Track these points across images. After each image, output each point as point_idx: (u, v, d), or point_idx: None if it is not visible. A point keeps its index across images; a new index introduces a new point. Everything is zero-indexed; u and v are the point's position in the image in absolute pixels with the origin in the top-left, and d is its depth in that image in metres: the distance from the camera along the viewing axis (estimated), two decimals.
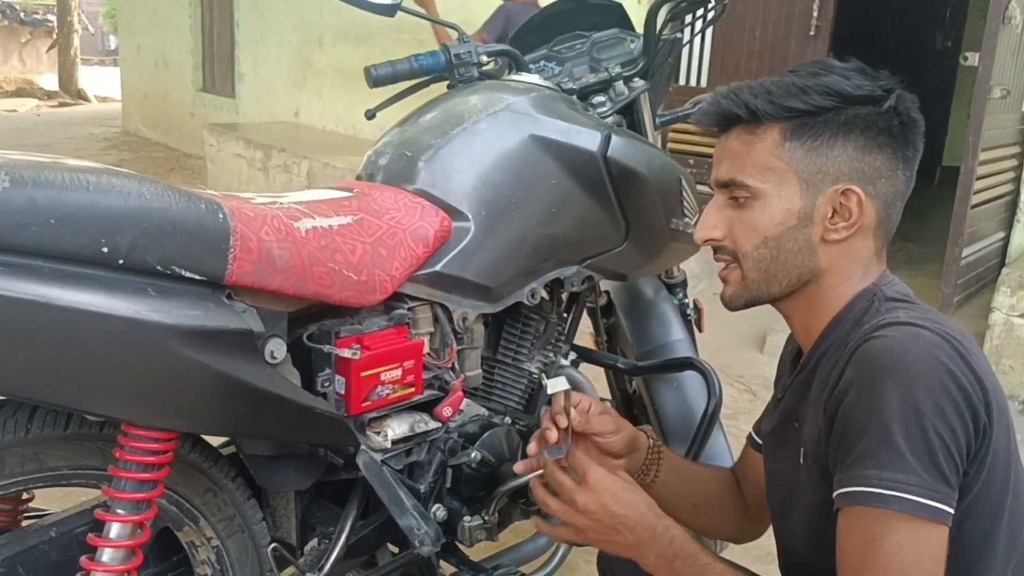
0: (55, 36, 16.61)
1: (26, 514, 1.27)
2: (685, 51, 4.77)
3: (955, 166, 3.82)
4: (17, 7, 18.08)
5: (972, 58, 3.60)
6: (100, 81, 16.51)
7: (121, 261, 0.95)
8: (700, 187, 1.58)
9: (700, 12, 1.82)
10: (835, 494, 0.92)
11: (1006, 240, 4.28)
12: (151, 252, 0.97)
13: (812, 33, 4.41)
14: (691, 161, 4.69)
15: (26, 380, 0.93)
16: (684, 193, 1.72)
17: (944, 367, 0.88)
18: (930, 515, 0.86)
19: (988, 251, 4.05)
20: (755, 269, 1.04)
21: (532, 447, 1.19)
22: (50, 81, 16.36)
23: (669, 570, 1.02)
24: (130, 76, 11.48)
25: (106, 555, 1.06)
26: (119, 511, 1.06)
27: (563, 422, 1.14)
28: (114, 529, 1.06)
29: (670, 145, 4.81)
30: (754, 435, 1.28)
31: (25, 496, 1.26)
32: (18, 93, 15.09)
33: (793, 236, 1.02)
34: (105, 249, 0.94)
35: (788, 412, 1.12)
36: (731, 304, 1.10)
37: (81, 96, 15.47)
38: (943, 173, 6.76)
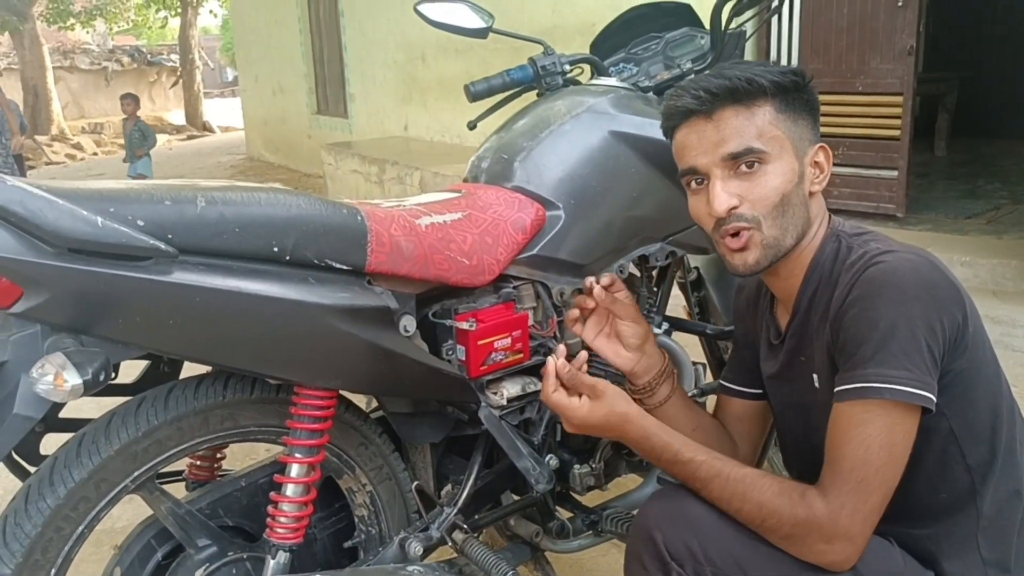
0: (179, 74, 17.72)
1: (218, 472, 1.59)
2: (774, 32, 4.86)
3: None
4: (144, 50, 19.34)
5: None
6: (222, 112, 17.52)
7: (288, 257, 1.23)
8: None
9: (759, 6, 2.00)
10: (836, 390, 1.11)
11: None
12: (309, 249, 1.25)
13: (900, 4, 4.43)
14: None
15: (225, 352, 1.21)
16: None
17: (929, 282, 1.09)
18: (915, 401, 1.06)
19: None
20: (773, 227, 1.19)
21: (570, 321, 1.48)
22: (178, 116, 17.49)
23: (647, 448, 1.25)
24: (250, 105, 12.21)
25: (289, 490, 1.35)
26: (297, 455, 1.35)
27: (589, 303, 1.43)
28: (294, 469, 1.35)
29: None
30: (726, 384, 1.49)
31: (219, 456, 1.57)
32: None
33: (796, 192, 1.21)
34: (276, 248, 1.22)
35: (792, 351, 1.30)
36: (757, 266, 1.22)
37: (207, 128, 16.50)
38: None
